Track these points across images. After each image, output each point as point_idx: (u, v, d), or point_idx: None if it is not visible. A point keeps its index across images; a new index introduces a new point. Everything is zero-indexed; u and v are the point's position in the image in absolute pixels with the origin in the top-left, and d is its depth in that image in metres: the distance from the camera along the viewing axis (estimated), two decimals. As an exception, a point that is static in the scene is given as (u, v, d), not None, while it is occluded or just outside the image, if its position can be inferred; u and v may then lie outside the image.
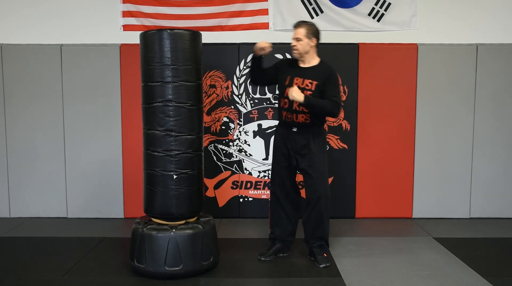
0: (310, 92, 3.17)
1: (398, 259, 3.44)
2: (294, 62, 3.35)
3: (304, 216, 3.37)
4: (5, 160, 4.50)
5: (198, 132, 3.15)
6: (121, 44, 4.43)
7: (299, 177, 3.51)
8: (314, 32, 3.23)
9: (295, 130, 3.27)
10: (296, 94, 3.10)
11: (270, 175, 3.51)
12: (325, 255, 3.36)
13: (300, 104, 3.14)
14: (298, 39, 3.20)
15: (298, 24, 3.25)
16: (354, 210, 4.56)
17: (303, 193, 3.46)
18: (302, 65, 3.29)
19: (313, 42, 3.22)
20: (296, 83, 3.21)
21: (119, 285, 3.00)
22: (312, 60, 3.27)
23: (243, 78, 4.45)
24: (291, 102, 3.20)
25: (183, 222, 3.14)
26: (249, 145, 4.51)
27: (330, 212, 3.35)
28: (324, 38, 4.45)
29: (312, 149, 3.25)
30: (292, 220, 3.47)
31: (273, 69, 3.45)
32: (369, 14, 4.62)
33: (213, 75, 4.44)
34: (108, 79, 4.43)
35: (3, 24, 4.68)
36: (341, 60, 4.41)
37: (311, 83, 3.18)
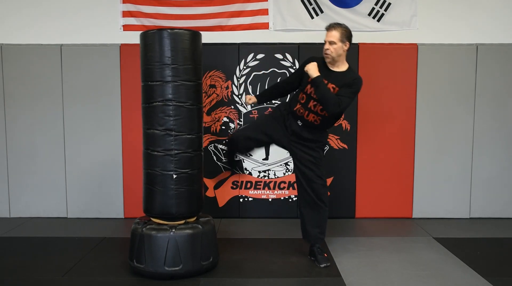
0: None
1: (398, 259, 3.44)
2: (322, 61, 3.20)
3: (304, 215, 3.38)
4: (5, 160, 4.50)
5: (198, 131, 3.14)
6: (121, 44, 4.43)
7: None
8: (348, 35, 3.10)
9: (300, 123, 3.25)
10: (313, 68, 3.05)
11: (241, 128, 3.52)
12: (325, 255, 3.36)
13: (310, 81, 3.10)
14: (331, 43, 3.07)
15: (332, 27, 3.11)
16: (354, 210, 4.55)
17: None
18: (330, 67, 3.17)
19: (346, 46, 3.10)
20: None
21: (119, 285, 3.00)
22: (342, 65, 3.16)
23: (243, 78, 4.45)
24: (308, 98, 3.16)
25: (182, 222, 3.13)
26: (249, 145, 4.51)
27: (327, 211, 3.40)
28: (324, 38, 4.46)
29: (315, 145, 3.27)
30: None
31: (297, 74, 3.33)
32: (369, 14, 4.63)
33: (213, 75, 4.44)
34: (108, 79, 4.43)
35: (3, 24, 4.68)
36: (341, 60, 4.41)
37: (334, 89, 3.10)
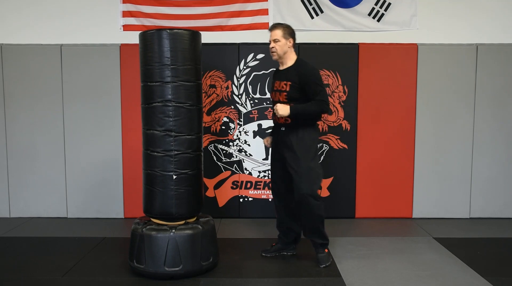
0: (285, 93, 3.19)
1: (398, 259, 3.44)
2: (277, 68, 3.42)
3: (298, 215, 3.36)
4: (5, 160, 4.50)
5: (198, 132, 3.14)
6: (121, 44, 4.43)
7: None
8: (290, 32, 3.23)
9: (283, 129, 3.27)
10: (281, 110, 3.12)
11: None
12: (326, 250, 3.34)
13: (288, 117, 3.16)
14: (275, 41, 3.20)
15: (274, 26, 3.26)
16: (354, 210, 4.55)
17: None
18: (281, 67, 3.32)
19: (290, 42, 3.22)
20: (276, 87, 3.28)
21: (119, 285, 3.00)
22: (289, 61, 3.27)
23: (243, 78, 4.45)
24: (273, 104, 3.28)
25: (182, 222, 3.13)
26: (249, 145, 4.51)
27: (321, 211, 3.22)
28: (324, 38, 4.48)
29: (296, 148, 3.20)
30: (288, 221, 3.43)
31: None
32: (369, 14, 4.62)
33: (213, 75, 4.44)
34: (108, 79, 4.43)
35: (3, 24, 4.69)
36: (341, 60, 4.41)
37: (286, 84, 3.20)
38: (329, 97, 3.15)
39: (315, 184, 3.23)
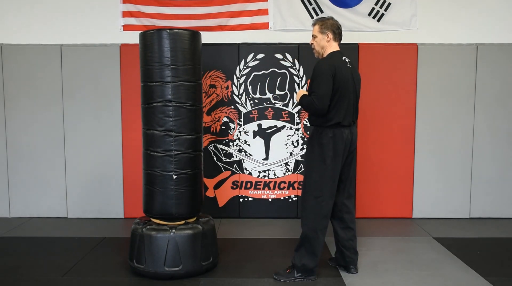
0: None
1: (398, 259, 3.44)
2: None
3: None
4: (5, 160, 4.50)
5: (198, 132, 3.14)
6: (121, 44, 4.43)
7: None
8: (327, 26, 3.01)
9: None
10: (297, 95, 3.10)
11: None
12: (288, 270, 3.09)
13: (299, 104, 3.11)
14: (313, 36, 3.06)
15: (313, 22, 3.09)
16: (354, 210, 4.54)
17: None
18: None
19: (328, 37, 3.01)
20: None
21: (119, 285, 3.00)
22: (325, 55, 3.06)
23: (243, 78, 4.45)
24: None
25: (182, 222, 3.14)
26: (249, 145, 4.51)
27: (308, 222, 2.99)
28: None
29: (305, 152, 3.12)
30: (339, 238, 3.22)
31: None
32: (369, 14, 4.62)
33: (213, 75, 4.44)
34: (108, 79, 4.43)
35: (3, 24, 4.68)
36: (341, 60, 4.40)
37: None
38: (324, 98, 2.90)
39: (305, 194, 3.03)
